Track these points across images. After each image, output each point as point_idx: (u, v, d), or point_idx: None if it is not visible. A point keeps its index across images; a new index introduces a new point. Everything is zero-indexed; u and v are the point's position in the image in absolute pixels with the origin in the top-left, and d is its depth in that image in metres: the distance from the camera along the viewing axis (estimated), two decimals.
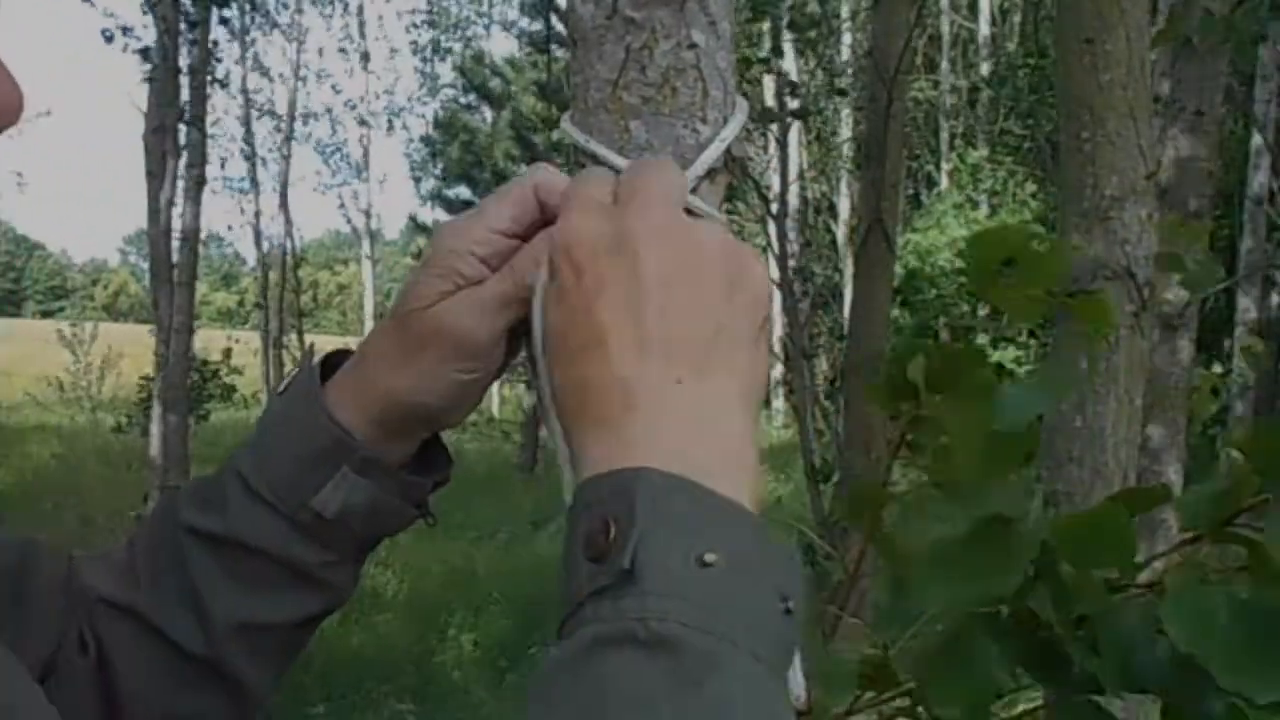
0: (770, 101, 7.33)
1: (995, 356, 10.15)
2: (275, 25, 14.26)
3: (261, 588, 0.56)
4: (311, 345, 0.62)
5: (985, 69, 13.47)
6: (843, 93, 11.69)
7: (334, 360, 0.59)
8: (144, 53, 6.62)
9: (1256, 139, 8.11)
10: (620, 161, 0.55)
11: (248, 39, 13.32)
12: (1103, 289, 1.52)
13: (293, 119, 14.67)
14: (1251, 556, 0.55)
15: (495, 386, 11.04)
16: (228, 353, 13.50)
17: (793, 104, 6.25)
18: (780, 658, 0.40)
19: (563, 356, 0.47)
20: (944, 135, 14.20)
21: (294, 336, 14.30)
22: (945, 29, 13.98)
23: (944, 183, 13.69)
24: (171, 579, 0.56)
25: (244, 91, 13.77)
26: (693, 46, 0.54)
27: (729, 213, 0.59)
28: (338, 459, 0.55)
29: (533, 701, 0.40)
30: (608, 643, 0.38)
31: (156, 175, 6.55)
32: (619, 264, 0.46)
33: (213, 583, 0.55)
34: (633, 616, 0.38)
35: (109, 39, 7.48)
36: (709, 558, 0.39)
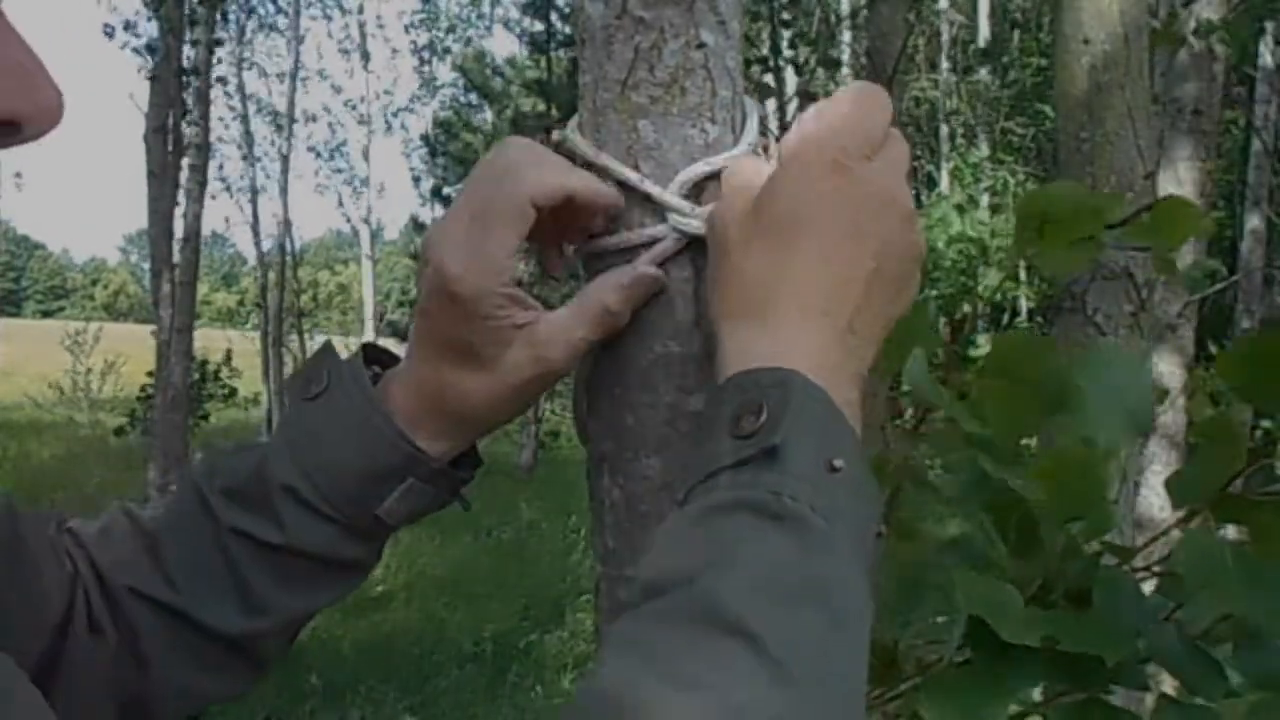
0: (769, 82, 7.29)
1: None
2: (272, 28, 14.22)
3: (312, 584, 0.59)
4: (328, 342, 0.61)
5: (985, 69, 13.44)
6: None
7: (369, 360, 0.60)
8: (148, 49, 6.59)
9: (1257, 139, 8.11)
10: (629, 174, 0.54)
11: (245, 37, 13.30)
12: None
13: (292, 118, 14.61)
14: (1254, 523, 0.55)
15: None
16: (228, 355, 13.48)
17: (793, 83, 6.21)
18: (867, 570, 0.44)
19: (743, 257, 0.49)
20: (944, 135, 14.17)
21: (294, 336, 14.25)
22: (945, 28, 13.95)
23: (944, 182, 13.66)
24: (217, 579, 0.57)
25: (241, 90, 13.72)
26: (701, 46, 0.54)
27: None
28: (406, 473, 0.57)
29: (660, 547, 0.43)
30: (741, 507, 0.43)
31: (157, 175, 6.54)
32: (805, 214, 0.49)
33: (267, 584, 0.57)
34: (770, 489, 0.43)
35: (110, 34, 7.46)
36: (837, 463, 0.44)
